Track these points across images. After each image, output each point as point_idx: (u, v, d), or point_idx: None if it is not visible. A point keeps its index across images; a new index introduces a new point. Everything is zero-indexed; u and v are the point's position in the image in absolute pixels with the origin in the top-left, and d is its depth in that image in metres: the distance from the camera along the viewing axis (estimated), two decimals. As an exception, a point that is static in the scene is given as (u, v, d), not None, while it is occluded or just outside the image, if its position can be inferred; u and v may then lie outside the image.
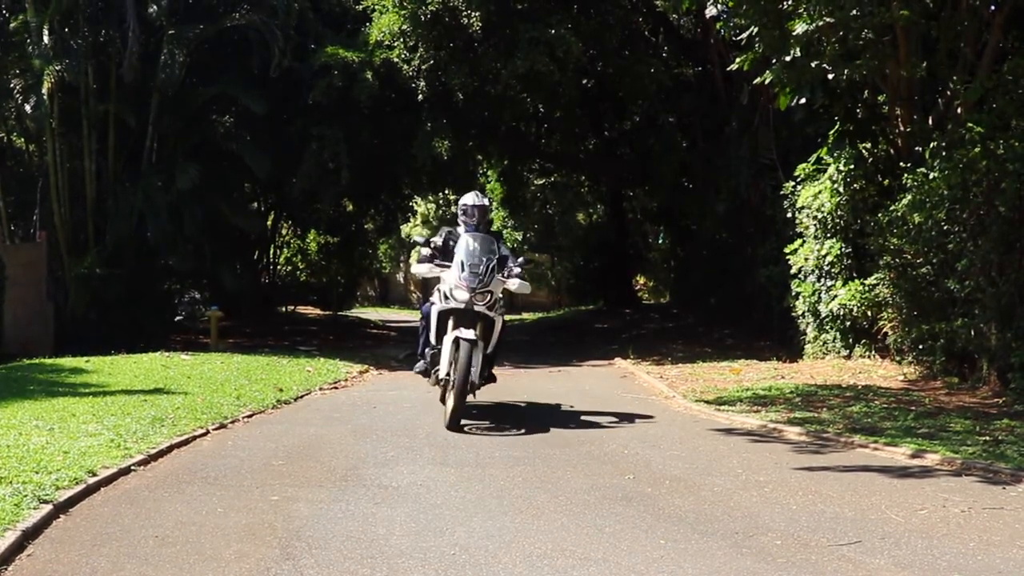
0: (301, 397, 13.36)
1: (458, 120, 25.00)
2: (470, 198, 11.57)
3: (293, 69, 22.95)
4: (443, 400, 10.99)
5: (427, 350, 11.30)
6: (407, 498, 7.17)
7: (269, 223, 33.48)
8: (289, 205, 31.04)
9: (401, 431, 10.49)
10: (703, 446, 9.65)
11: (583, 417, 11.58)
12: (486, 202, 11.75)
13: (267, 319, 31.58)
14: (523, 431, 10.58)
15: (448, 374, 10.56)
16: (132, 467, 8.02)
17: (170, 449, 8.92)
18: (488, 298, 10.77)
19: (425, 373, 11.37)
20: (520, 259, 11.51)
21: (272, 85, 23.30)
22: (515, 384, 15.01)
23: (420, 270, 11.37)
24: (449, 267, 10.95)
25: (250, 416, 11.32)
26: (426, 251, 11.35)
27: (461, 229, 11.39)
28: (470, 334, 10.49)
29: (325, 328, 31.94)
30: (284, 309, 36.60)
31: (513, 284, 11.09)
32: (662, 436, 10.16)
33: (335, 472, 8.13)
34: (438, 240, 11.56)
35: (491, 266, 10.81)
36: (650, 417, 11.59)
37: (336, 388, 14.89)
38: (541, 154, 33.20)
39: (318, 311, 38.87)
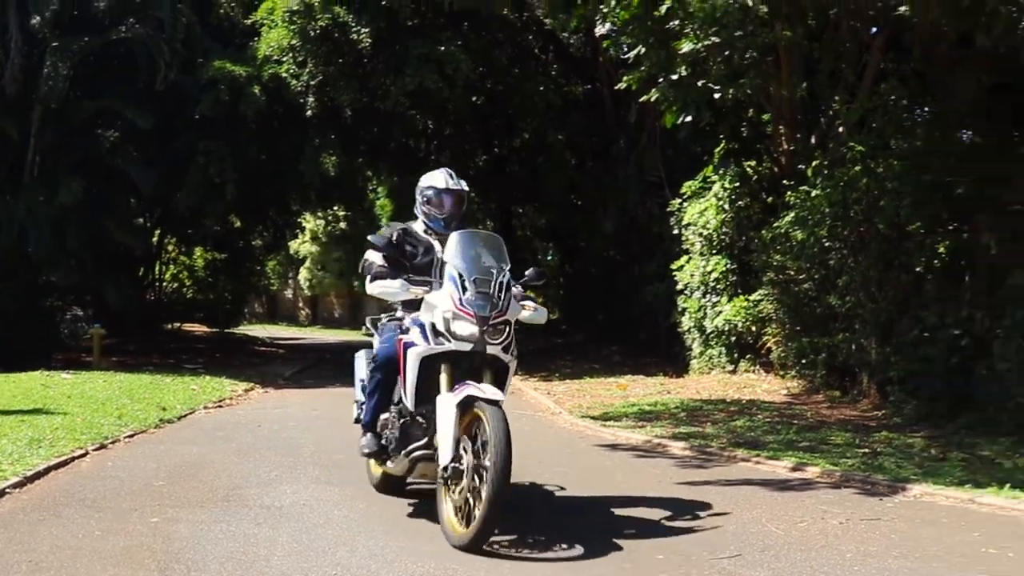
0: (185, 416, 13.06)
1: (347, 136, 24.88)
2: (438, 179, 7.62)
3: (180, 83, 22.62)
4: (444, 503, 6.56)
5: (388, 416, 7.37)
6: (290, 518, 7.07)
7: (155, 239, 32.90)
8: (175, 221, 30.53)
9: (285, 450, 10.34)
10: (588, 462, 9.67)
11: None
12: (463, 187, 7.69)
13: (152, 337, 30.96)
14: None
15: (455, 460, 6.41)
16: (7, 490, 7.74)
17: (47, 471, 8.62)
18: (505, 333, 6.79)
19: (378, 454, 7.47)
20: (529, 272, 7.57)
21: (159, 99, 22.91)
22: (403, 401, 14.90)
23: (386, 289, 7.20)
24: (429, 284, 7.14)
25: (132, 436, 11.01)
26: (377, 258, 7.50)
27: (419, 226, 7.65)
28: (492, 392, 6.47)
29: (212, 346, 31.46)
30: (170, 326, 35.96)
31: (528, 312, 7.21)
32: (547, 452, 10.16)
33: (217, 492, 7.96)
34: (384, 242, 7.55)
35: (506, 282, 6.84)
36: (536, 433, 11.59)
37: (221, 407, 14.64)
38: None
39: (205, 328, 38.26)
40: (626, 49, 14.70)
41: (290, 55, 22.57)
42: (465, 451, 6.37)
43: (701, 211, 16.52)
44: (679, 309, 17.91)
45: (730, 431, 11.07)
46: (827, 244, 13.34)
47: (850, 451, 9.52)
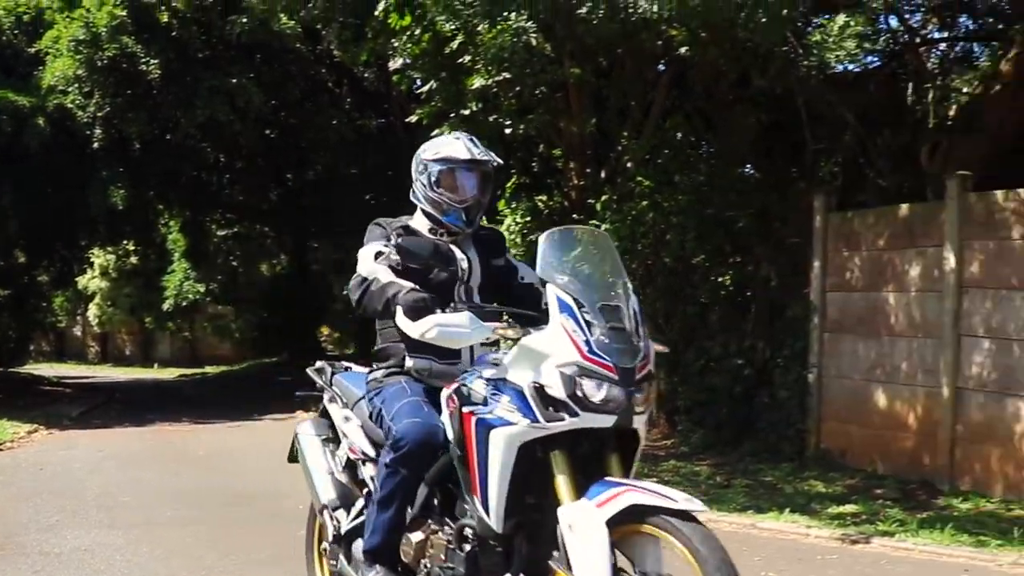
0: (-40, 461, 12.56)
1: (136, 169, 24.25)
2: (456, 147, 5.04)
3: (-42, 113, 21.73)
4: None
5: (428, 537, 4.75)
6: (70, 565, 6.85)
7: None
8: (-47, 257, 29.31)
9: (68, 493, 10.01)
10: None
11: (261, 473, 11.36)
12: (493, 160, 5.11)
13: (-72, 378, 29.65)
14: (195, 488, 10.28)
15: None
16: None
17: None
18: (650, 389, 4.32)
19: None
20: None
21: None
22: (195, 441, 14.62)
23: (448, 328, 4.40)
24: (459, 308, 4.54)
25: (-101, 485, 10.55)
26: (388, 275, 4.81)
27: (420, 222, 5.14)
28: (675, 497, 3.92)
29: (-7, 386, 30.25)
30: (-54, 367, 34.45)
31: (661, 348, 4.69)
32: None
33: (-8, 540, 7.67)
34: (389, 251, 4.93)
35: (640, 310, 4.44)
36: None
37: (1, 450, 14.09)
38: (224, 204, 32.63)
39: (-15, 368, 36.76)
40: (419, 83, 14.76)
41: (76, 85, 21.89)
42: None
43: (494, 245, 16.64)
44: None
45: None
46: (616, 277, 13.54)
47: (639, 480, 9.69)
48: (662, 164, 13.55)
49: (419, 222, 5.17)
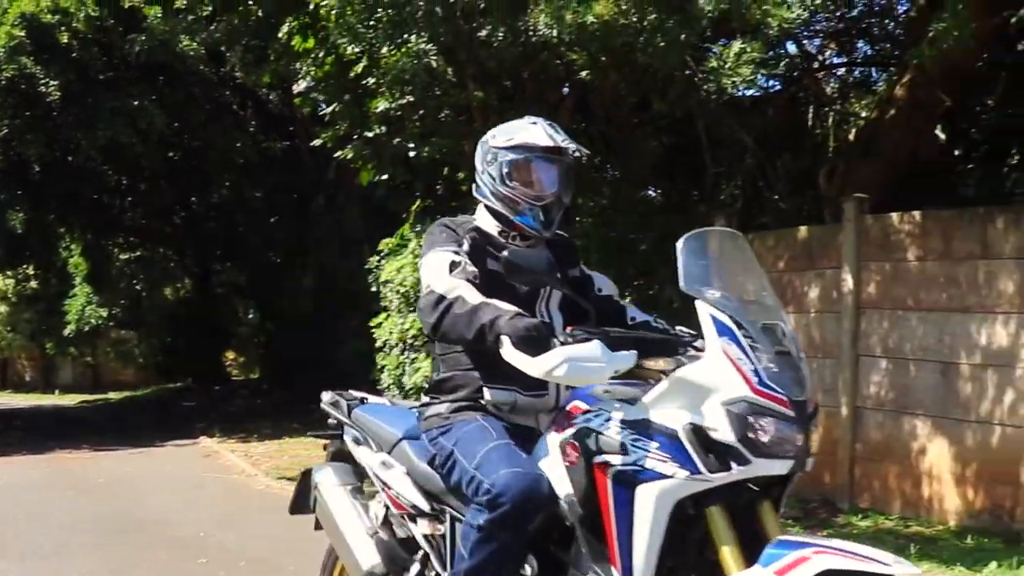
0: None
1: (36, 191, 23.87)
2: (534, 133, 4.30)
3: None
4: None
5: None
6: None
7: None
8: None
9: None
10: (283, 525, 9.51)
11: (160, 499, 11.20)
12: (577, 149, 4.32)
13: None
14: (93, 515, 10.09)
15: None
16: None
17: None
18: (814, 425, 3.64)
19: None
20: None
21: None
22: (95, 468, 14.37)
23: (578, 360, 3.50)
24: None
25: None
26: (470, 293, 3.98)
27: (488, 223, 4.38)
28: (888, 561, 3.17)
29: None
30: None
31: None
32: (241, 516, 9.95)
33: None
34: (464, 261, 4.13)
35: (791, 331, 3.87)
36: (230, 496, 11.35)
37: None
38: (126, 228, 32.20)
39: None
40: (324, 106, 14.71)
41: (-27, 107, 21.53)
42: None
43: (398, 268, 16.56)
44: (379, 366, 17.89)
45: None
46: (520, 299, 13.57)
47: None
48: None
49: (485, 222, 4.38)
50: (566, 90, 13.89)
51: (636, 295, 12.96)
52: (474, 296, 3.95)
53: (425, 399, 4.39)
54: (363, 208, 20.86)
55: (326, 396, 5.07)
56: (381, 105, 13.07)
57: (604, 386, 3.74)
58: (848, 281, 9.95)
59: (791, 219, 11.98)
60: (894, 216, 9.70)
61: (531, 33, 8.34)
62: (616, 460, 3.59)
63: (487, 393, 4.12)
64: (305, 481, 5.02)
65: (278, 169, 26.62)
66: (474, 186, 4.44)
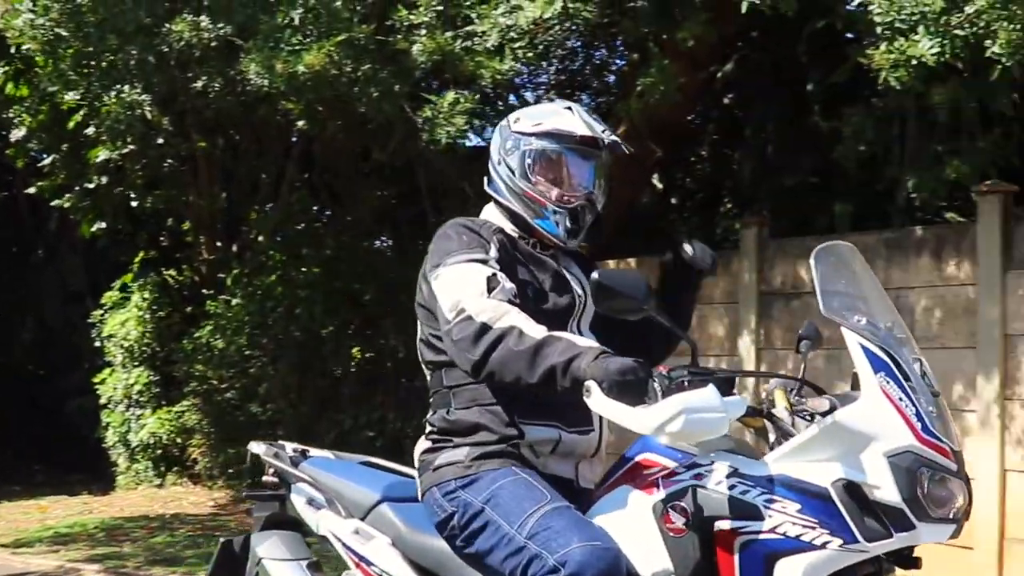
0: None
1: None
2: (569, 121, 3.54)
3: None
4: None
5: None
6: None
7: None
8: None
9: None
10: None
11: None
12: (615, 141, 3.61)
13: None
14: None
15: None
16: None
17: None
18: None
19: None
20: None
21: None
22: None
23: (693, 412, 2.75)
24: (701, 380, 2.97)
25: None
26: (517, 316, 3.16)
27: (503, 224, 3.65)
28: None
29: None
30: None
31: None
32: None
33: None
34: (497, 271, 3.32)
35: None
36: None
37: None
38: None
39: None
40: (42, 156, 14.28)
41: None
42: None
43: (122, 322, 16.12)
44: (103, 423, 17.33)
45: (149, 548, 10.78)
46: (247, 353, 13.44)
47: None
48: (290, 237, 13.58)
49: (500, 223, 3.63)
50: (294, 140, 13.87)
51: (363, 347, 12.99)
52: (533, 327, 3.14)
53: (425, 445, 3.56)
54: (86, 260, 20.19)
55: (258, 446, 4.23)
56: (102, 154, 12.80)
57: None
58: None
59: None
60: (610, 264, 9.99)
61: (245, 83, 8.25)
62: (747, 527, 2.91)
63: (526, 430, 3.33)
64: (229, 553, 4.11)
65: (-4, 219, 25.55)
66: (486, 179, 3.71)
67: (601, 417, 3.32)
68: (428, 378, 3.59)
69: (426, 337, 3.58)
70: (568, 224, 3.53)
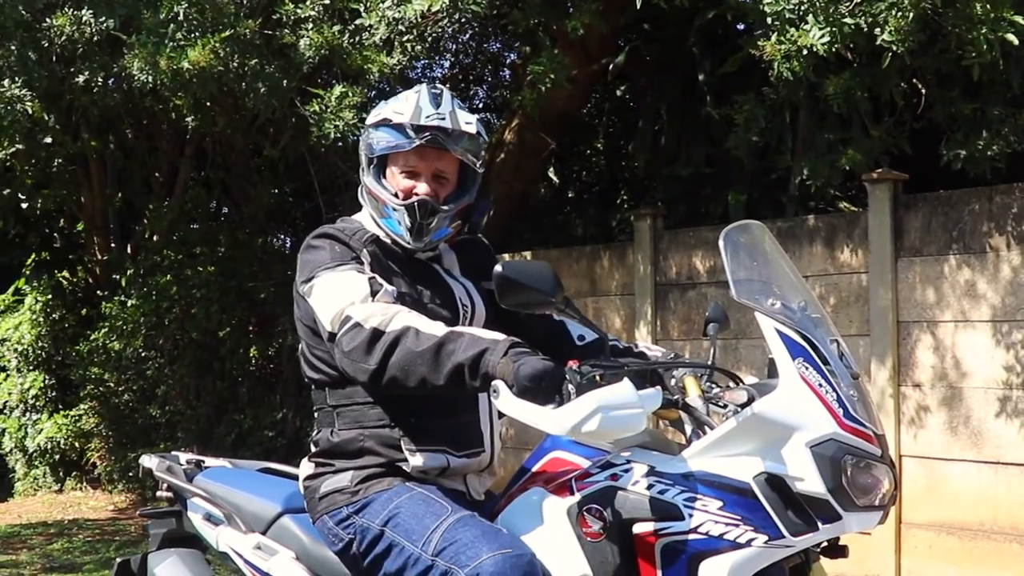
0: None
1: None
2: (406, 106, 3.27)
3: None
4: None
5: None
6: None
7: None
8: None
9: None
10: None
11: None
12: (473, 127, 3.29)
13: None
14: None
15: None
16: None
17: None
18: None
19: None
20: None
21: None
22: None
23: (612, 409, 2.59)
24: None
25: None
26: (413, 316, 2.97)
27: (376, 231, 3.34)
28: None
29: None
30: None
31: None
32: None
33: None
34: (378, 279, 3.13)
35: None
36: None
37: None
38: None
39: None
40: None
41: None
42: None
43: (16, 326, 15.82)
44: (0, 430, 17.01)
45: (46, 555, 10.57)
46: (144, 354, 13.25)
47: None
48: (184, 236, 13.43)
49: (372, 227, 3.37)
50: (188, 136, 13.69)
51: (261, 346, 12.87)
52: (429, 324, 2.93)
53: (308, 468, 3.33)
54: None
55: (149, 460, 3.94)
56: (-10, 156, 12.52)
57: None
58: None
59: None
60: (506, 257, 9.98)
61: (130, 79, 8.09)
62: (667, 528, 2.81)
63: (411, 458, 3.14)
64: (126, 573, 3.87)
65: None
66: (361, 188, 3.46)
67: (492, 434, 3.27)
68: (312, 394, 3.37)
69: (307, 354, 3.35)
70: (407, 222, 3.24)
